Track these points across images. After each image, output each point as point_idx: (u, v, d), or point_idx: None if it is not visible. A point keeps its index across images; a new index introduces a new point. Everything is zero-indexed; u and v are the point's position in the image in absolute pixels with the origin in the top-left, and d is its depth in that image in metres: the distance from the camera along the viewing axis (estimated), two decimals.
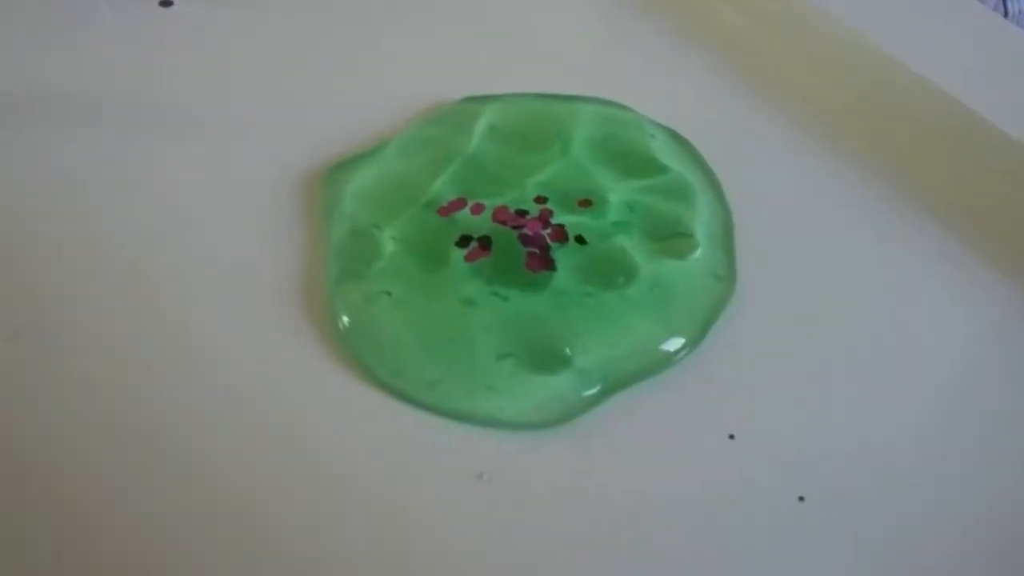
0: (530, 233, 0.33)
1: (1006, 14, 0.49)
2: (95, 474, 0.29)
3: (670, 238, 0.34)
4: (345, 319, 0.32)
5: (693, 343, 0.32)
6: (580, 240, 0.34)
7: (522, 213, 0.34)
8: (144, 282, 0.33)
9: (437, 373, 0.31)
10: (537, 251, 0.33)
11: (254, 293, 0.33)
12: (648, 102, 0.39)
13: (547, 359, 0.31)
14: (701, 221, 0.35)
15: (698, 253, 0.34)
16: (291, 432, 0.30)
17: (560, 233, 0.33)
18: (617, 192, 0.36)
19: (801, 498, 0.29)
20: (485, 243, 0.33)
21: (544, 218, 0.34)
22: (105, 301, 0.33)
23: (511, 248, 0.33)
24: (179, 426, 0.30)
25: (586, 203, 0.35)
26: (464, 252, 0.33)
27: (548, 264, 0.33)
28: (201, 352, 0.32)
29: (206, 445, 0.30)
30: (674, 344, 0.32)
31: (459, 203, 0.35)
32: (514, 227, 0.33)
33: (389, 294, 0.32)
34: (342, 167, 0.37)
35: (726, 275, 0.34)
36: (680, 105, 0.40)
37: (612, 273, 0.33)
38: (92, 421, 0.30)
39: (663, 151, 0.37)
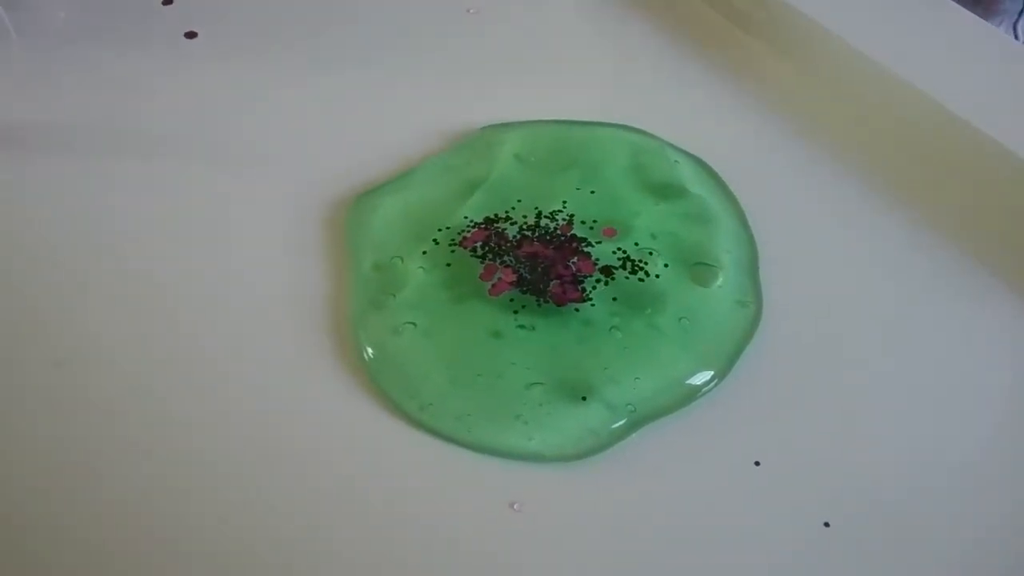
0: (556, 264, 0.33)
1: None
2: (122, 494, 0.29)
3: (695, 266, 0.34)
4: (370, 350, 0.32)
5: (721, 375, 0.32)
6: (607, 271, 0.34)
7: (547, 244, 0.34)
8: (170, 313, 0.34)
9: (465, 407, 0.31)
10: (564, 283, 0.33)
11: (280, 323, 0.33)
12: (669, 128, 0.39)
13: (575, 389, 0.31)
14: (726, 248, 0.35)
15: (724, 280, 0.34)
16: (319, 465, 0.30)
17: (587, 264, 0.33)
18: (642, 218, 0.36)
19: (827, 524, 0.29)
20: (510, 275, 0.33)
21: (570, 249, 0.34)
22: (134, 327, 0.33)
23: (537, 280, 0.33)
24: (205, 457, 0.30)
25: (611, 232, 0.35)
26: (489, 284, 0.33)
27: (575, 296, 0.33)
28: (227, 385, 0.32)
29: (231, 479, 0.30)
30: (703, 377, 0.32)
31: (483, 233, 0.34)
32: (540, 258, 0.33)
33: (414, 325, 0.33)
34: (366, 197, 0.37)
35: (752, 302, 0.34)
36: (701, 132, 0.40)
37: (640, 304, 0.33)
38: (122, 442, 0.30)
39: (687, 177, 0.37)
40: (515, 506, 0.29)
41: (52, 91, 0.42)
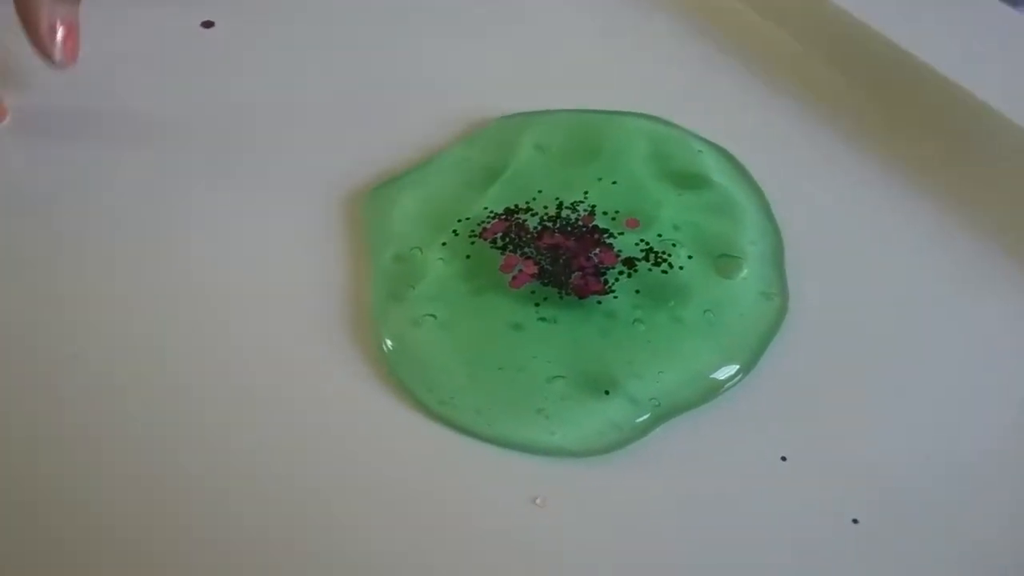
0: (578, 256, 0.33)
1: None
2: (134, 485, 0.29)
3: (719, 257, 0.34)
4: (389, 343, 0.32)
5: (747, 368, 0.32)
6: (629, 263, 0.33)
7: (569, 235, 0.33)
8: (184, 305, 0.33)
9: (486, 400, 0.30)
10: (586, 275, 0.32)
11: (297, 316, 0.33)
12: (691, 117, 0.39)
13: (598, 383, 0.31)
14: (750, 239, 0.35)
15: (748, 272, 0.34)
16: (335, 459, 0.30)
17: (609, 255, 0.33)
18: (665, 209, 0.35)
19: (855, 520, 0.29)
20: (531, 267, 0.32)
21: (592, 240, 0.33)
22: (147, 320, 0.33)
23: (558, 272, 0.33)
24: (220, 450, 0.30)
25: (634, 223, 0.34)
26: (509, 276, 0.32)
27: (597, 288, 0.32)
28: (244, 377, 0.32)
29: (247, 472, 0.29)
30: (727, 371, 0.31)
31: (503, 224, 0.34)
32: (561, 250, 0.33)
33: (434, 317, 0.32)
34: (384, 188, 0.36)
35: (778, 295, 0.33)
36: (724, 121, 0.39)
37: (663, 296, 0.33)
38: (132, 435, 0.30)
39: (711, 167, 0.37)
40: (537, 501, 0.29)
41: (65, 79, 0.41)
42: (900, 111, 0.40)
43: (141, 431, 0.30)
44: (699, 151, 0.37)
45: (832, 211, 0.37)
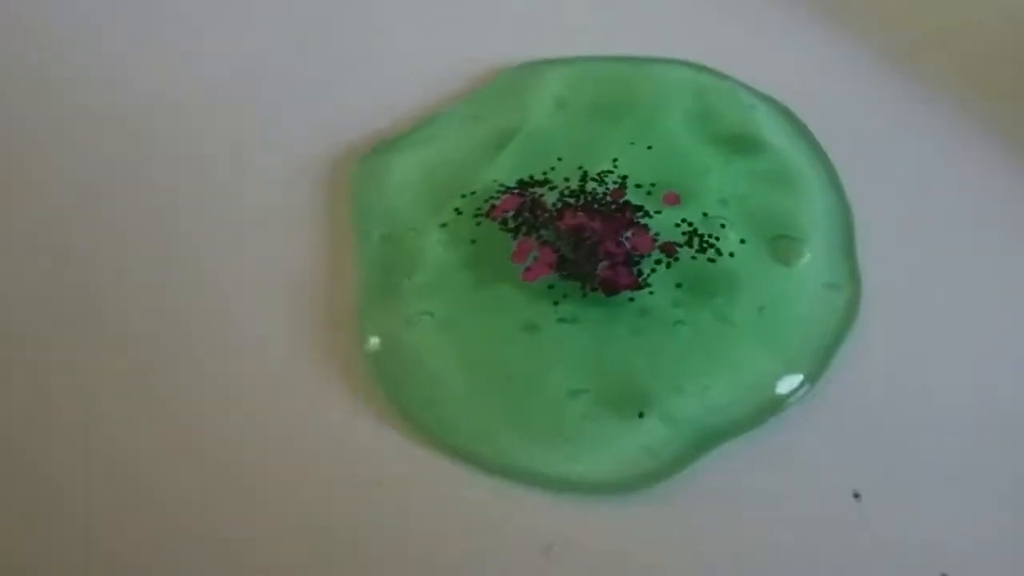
0: (606, 241, 0.28)
1: None
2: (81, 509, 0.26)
3: (775, 239, 0.30)
4: (377, 346, 0.28)
5: (812, 379, 0.28)
6: (668, 249, 0.29)
7: (595, 214, 0.29)
8: (127, 295, 0.30)
9: (492, 419, 0.27)
10: (615, 264, 0.28)
11: (267, 309, 0.30)
12: (742, 65, 0.35)
13: (629, 399, 0.27)
14: (813, 218, 0.31)
15: (811, 258, 0.30)
16: (310, 490, 0.26)
17: (644, 240, 0.29)
18: (711, 179, 0.31)
19: None
20: (549, 255, 0.28)
21: (623, 220, 0.29)
22: (85, 306, 0.30)
23: (582, 260, 0.28)
24: (177, 476, 0.27)
25: (673, 198, 0.30)
26: (523, 266, 0.28)
27: (629, 282, 0.28)
28: (203, 386, 0.28)
29: (209, 501, 0.26)
30: (789, 383, 0.28)
31: (516, 200, 0.30)
32: (586, 232, 0.29)
33: (431, 315, 0.29)
34: (375, 154, 0.33)
35: (848, 287, 0.30)
36: (782, 69, 0.35)
37: (710, 290, 0.29)
38: (72, 451, 0.27)
39: (766, 127, 0.33)
40: (553, 549, 0.26)
41: (21, 39, 0.37)
42: (996, 63, 0.35)
43: (70, 450, 0.27)
44: (751, 106, 0.34)
45: (914, 183, 0.33)
